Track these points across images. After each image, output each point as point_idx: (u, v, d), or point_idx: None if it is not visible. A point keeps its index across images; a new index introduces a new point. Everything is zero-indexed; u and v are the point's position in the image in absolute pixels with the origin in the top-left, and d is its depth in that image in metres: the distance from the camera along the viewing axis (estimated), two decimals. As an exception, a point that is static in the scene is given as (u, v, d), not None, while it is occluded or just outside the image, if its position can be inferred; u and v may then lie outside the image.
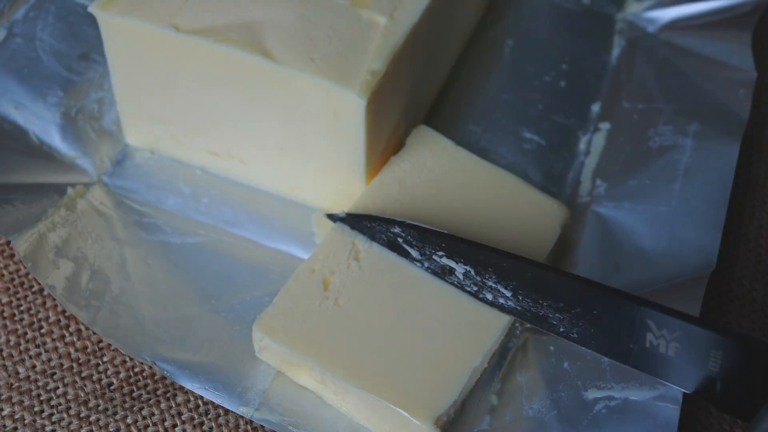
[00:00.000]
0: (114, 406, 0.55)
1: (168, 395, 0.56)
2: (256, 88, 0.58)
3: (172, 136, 0.63)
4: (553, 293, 0.53)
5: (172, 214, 0.62)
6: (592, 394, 0.53)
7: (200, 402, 0.56)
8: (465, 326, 0.54)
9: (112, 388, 0.56)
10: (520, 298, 0.54)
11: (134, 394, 0.56)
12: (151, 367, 0.56)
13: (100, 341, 0.57)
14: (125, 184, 0.63)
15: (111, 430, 0.54)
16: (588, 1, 0.77)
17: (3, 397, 0.55)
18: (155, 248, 0.60)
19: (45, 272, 0.57)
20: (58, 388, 0.56)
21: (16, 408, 0.55)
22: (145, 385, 0.56)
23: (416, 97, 0.64)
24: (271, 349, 0.53)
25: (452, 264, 0.55)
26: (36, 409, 0.55)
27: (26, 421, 0.54)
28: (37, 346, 0.57)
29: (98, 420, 0.55)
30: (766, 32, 0.75)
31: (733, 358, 0.48)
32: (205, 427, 0.55)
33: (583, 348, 0.53)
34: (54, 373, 0.56)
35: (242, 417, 0.55)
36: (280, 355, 0.53)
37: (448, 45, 0.68)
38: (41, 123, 0.65)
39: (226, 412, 0.55)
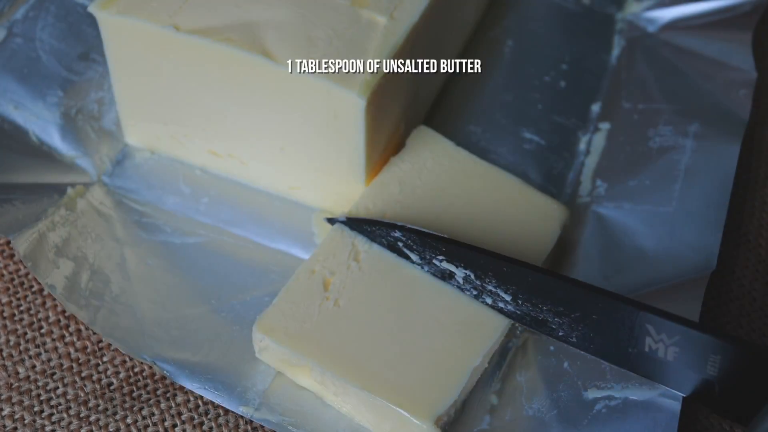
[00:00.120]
0: (114, 406, 0.55)
1: (168, 395, 0.56)
2: (256, 88, 0.58)
3: (172, 136, 0.63)
4: (553, 297, 0.53)
5: (172, 214, 0.62)
6: (592, 394, 0.53)
7: (200, 402, 0.56)
8: (465, 326, 0.54)
9: (112, 388, 0.56)
10: (520, 302, 0.54)
11: (134, 394, 0.56)
12: (151, 367, 0.56)
13: (100, 341, 0.57)
14: (125, 184, 0.63)
15: (111, 430, 0.54)
16: (588, 1, 0.76)
17: (3, 397, 0.55)
18: (155, 248, 0.60)
19: (45, 272, 0.57)
20: (58, 388, 0.56)
21: (16, 408, 0.55)
22: (145, 385, 0.56)
23: (416, 97, 0.64)
24: (271, 349, 0.53)
25: (452, 268, 0.55)
26: (36, 409, 0.55)
27: (26, 421, 0.54)
28: (37, 346, 0.57)
29: (98, 420, 0.55)
30: (766, 32, 0.75)
31: (732, 363, 0.48)
32: (205, 427, 0.55)
33: (582, 350, 0.53)
34: (54, 373, 0.56)
35: (242, 417, 0.55)
36: (280, 356, 0.53)
37: (448, 45, 0.68)
38: (41, 123, 0.65)
39: (226, 412, 0.55)
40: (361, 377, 0.51)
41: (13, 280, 0.59)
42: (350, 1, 0.59)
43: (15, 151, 0.63)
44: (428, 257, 0.55)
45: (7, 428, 0.54)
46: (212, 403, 0.55)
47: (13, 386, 0.56)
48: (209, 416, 0.55)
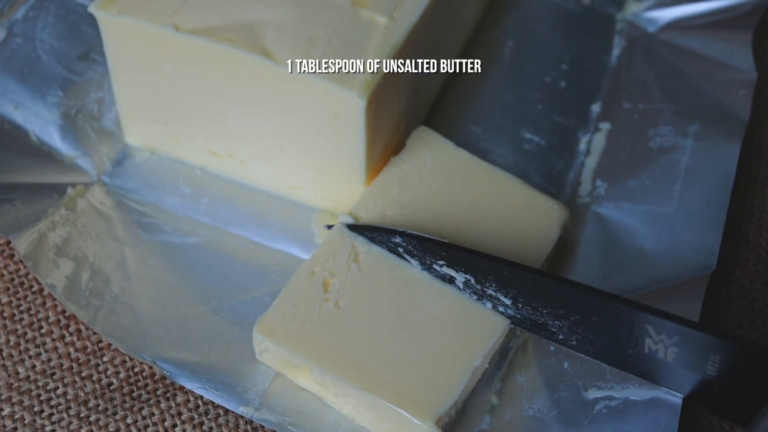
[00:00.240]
0: (114, 406, 0.55)
1: (168, 395, 0.56)
2: (256, 88, 0.58)
3: (172, 136, 0.63)
4: (553, 300, 0.53)
5: (172, 214, 0.62)
6: (592, 394, 0.53)
7: (200, 402, 0.56)
8: (465, 326, 0.54)
9: (112, 388, 0.56)
10: (520, 305, 0.54)
11: (134, 394, 0.56)
12: (151, 367, 0.56)
13: (100, 341, 0.57)
14: (125, 184, 0.63)
15: (111, 430, 0.54)
16: (588, 1, 0.76)
17: (3, 397, 0.55)
18: (155, 248, 0.60)
19: (45, 271, 0.57)
20: (58, 388, 0.56)
21: (16, 408, 0.55)
22: (145, 385, 0.56)
23: (416, 97, 0.64)
24: (271, 351, 0.53)
25: (452, 273, 0.55)
26: (36, 409, 0.55)
27: (26, 421, 0.54)
28: (37, 346, 0.57)
29: (98, 420, 0.55)
30: (766, 32, 0.75)
31: (731, 362, 0.48)
32: (205, 427, 0.55)
33: (582, 351, 0.53)
34: (54, 373, 0.56)
35: (242, 417, 0.55)
36: (281, 358, 0.53)
37: (448, 45, 0.68)
38: (41, 123, 0.65)
39: (226, 412, 0.55)
40: (361, 378, 0.51)
41: (13, 280, 0.59)
42: (350, 1, 0.58)
43: (15, 151, 0.63)
44: (428, 262, 0.55)
45: (7, 428, 0.54)
46: (212, 403, 0.55)
47: (13, 386, 0.56)
48: (209, 416, 0.55)
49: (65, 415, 0.55)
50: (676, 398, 0.52)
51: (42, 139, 0.64)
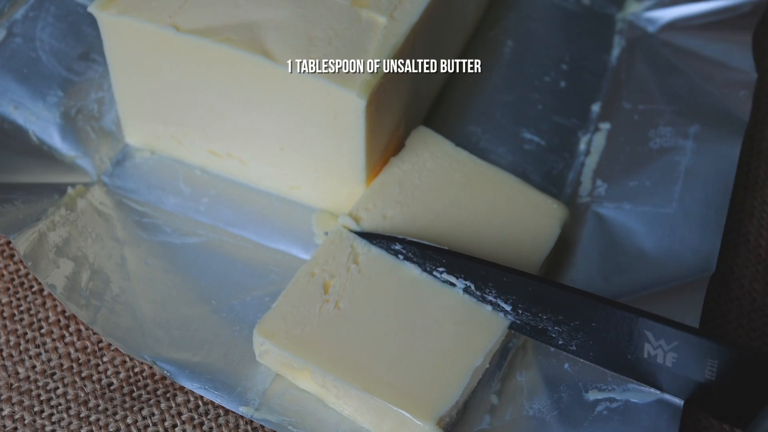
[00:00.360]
0: (114, 406, 0.55)
1: (168, 395, 0.56)
2: (256, 88, 0.58)
3: (172, 136, 0.63)
4: (553, 306, 0.53)
5: (172, 214, 0.62)
6: (593, 396, 0.53)
7: (200, 402, 0.56)
8: (465, 326, 0.54)
9: (112, 388, 0.56)
10: (520, 311, 0.54)
11: (134, 394, 0.56)
12: (151, 367, 0.56)
13: (100, 341, 0.57)
14: (125, 184, 0.63)
15: (111, 430, 0.54)
16: (588, 1, 0.76)
17: (3, 397, 0.55)
18: (155, 248, 0.60)
19: (45, 271, 0.57)
20: (58, 388, 0.56)
21: (16, 408, 0.55)
22: (145, 385, 0.56)
23: (416, 97, 0.64)
24: (272, 353, 0.53)
25: (453, 279, 0.55)
26: (36, 409, 0.55)
27: (26, 421, 0.54)
28: (37, 346, 0.57)
29: (98, 420, 0.55)
30: (766, 33, 0.75)
31: (730, 367, 0.48)
32: (205, 427, 0.55)
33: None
34: (54, 373, 0.56)
35: (242, 417, 0.55)
36: (281, 360, 0.53)
37: (448, 45, 0.68)
38: (41, 123, 0.65)
39: (226, 412, 0.55)
40: (362, 379, 0.51)
41: (13, 280, 0.59)
42: (350, 1, 0.58)
43: (15, 151, 0.63)
44: (429, 269, 0.55)
45: (7, 428, 0.54)
46: (212, 403, 0.55)
47: (13, 386, 0.56)
48: (209, 416, 0.55)
49: (65, 415, 0.55)
50: (677, 401, 0.52)
51: (42, 139, 0.64)
